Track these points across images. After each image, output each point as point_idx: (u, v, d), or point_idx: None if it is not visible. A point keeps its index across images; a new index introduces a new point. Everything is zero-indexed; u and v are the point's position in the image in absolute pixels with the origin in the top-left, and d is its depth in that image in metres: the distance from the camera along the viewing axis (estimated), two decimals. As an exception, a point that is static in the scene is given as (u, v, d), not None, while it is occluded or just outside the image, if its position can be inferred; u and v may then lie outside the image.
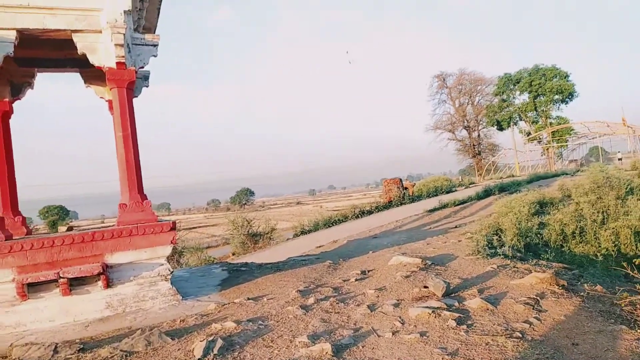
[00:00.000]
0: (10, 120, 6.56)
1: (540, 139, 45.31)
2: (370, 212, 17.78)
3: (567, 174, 24.71)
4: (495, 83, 48.98)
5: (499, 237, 8.50)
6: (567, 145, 44.85)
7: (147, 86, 6.80)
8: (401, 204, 18.97)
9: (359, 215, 17.35)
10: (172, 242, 5.07)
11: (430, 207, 15.97)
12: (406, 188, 20.82)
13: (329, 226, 16.51)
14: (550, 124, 43.83)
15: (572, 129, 43.51)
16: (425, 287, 4.52)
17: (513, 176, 31.42)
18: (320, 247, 12.38)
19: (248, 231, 15.12)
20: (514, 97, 47.15)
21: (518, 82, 45.37)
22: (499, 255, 6.54)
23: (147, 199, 5.45)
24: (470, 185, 24.15)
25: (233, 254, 16.44)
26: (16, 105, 6.71)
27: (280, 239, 16.42)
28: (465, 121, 52.88)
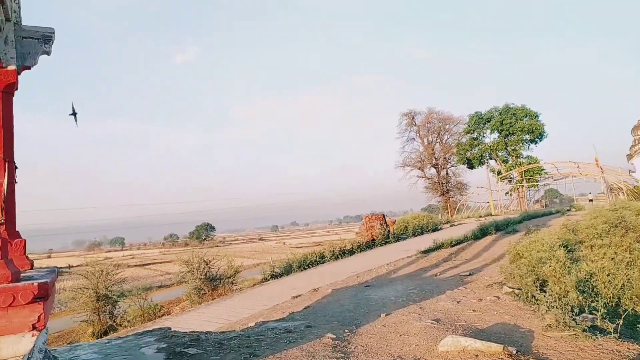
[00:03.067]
0: None
1: (510, 178, 44.89)
2: (352, 252, 15.28)
3: (559, 212, 23.38)
4: (464, 122, 49.05)
5: (543, 290, 6.30)
6: (537, 185, 44.58)
7: (48, 53, 4.28)
8: (385, 242, 16.63)
9: (339, 256, 14.81)
10: (35, 328, 2.41)
11: (422, 247, 13.70)
12: (387, 225, 18.57)
13: (305, 268, 13.85)
14: (521, 163, 43.59)
15: (542, 169, 43.36)
16: None
17: (491, 215, 30.00)
18: (297, 297, 9.73)
19: (205, 274, 12.26)
20: (484, 136, 47.05)
21: (489, 121, 45.32)
22: (603, 332, 4.22)
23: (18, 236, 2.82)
24: (456, 224, 22.24)
25: (185, 301, 13.41)
26: None
27: (246, 283, 13.55)
28: (434, 159, 52.49)
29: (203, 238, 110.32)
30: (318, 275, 12.50)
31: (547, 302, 4.88)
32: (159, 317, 11.49)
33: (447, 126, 52.83)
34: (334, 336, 4.55)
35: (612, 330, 3.99)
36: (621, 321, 4.11)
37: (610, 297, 7.28)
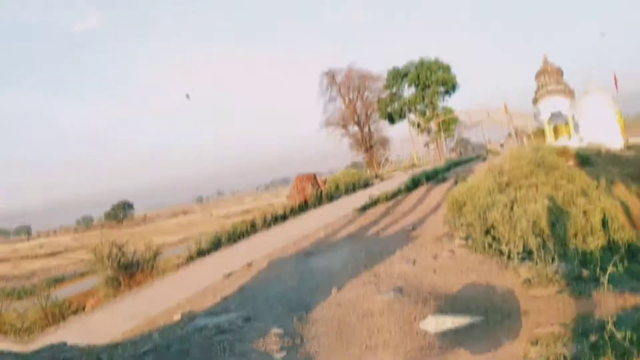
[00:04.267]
0: None
1: (429, 129, 46.34)
2: (285, 218, 14.32)
3: (479, 157, 24.25)
4: (384, 78, 49.32)
5: (495, 238, 5.85)
6: (454, 134, 46.56)
7: None
8: (319, 204, 15.88)
9: (272, 223, 13.79)
10: None
11: (357, 204, 13.10)
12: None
13: (235, 240, 12.68)
14: (437, 115, 45.01)
15: (457, 119, 45.18)
16: None
17: (415, 165, 30.65)
18: (230, 275, 8.62)
19: (119, 261, 10.61)
20: (402, 90, 47.70)
21: (406, 76, 45.85)
22: (587, 282, 3.66)
23: None
24: (386, 178, 22.17)
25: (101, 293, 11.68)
26: None
27: (170, 265, 12.06)
28: (356, 116, 52.68)
29: (121, 218, 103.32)
30: (251, 246, 11.43)
31: (518, 253, 4.29)
32: (67, 316, 9.78)
33: (367, 83, 52.99)
34: (281, 331, 3.57)
35: (604, 282, 3.45)
36: (610, 269, 3.58)
37: (558, 238, 7.11)
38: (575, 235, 7.34)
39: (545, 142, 25.53)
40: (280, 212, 14.51)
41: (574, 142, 26.19)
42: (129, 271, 10.76)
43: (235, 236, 12.77)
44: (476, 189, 9.05)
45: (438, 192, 13.30)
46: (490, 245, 5.34)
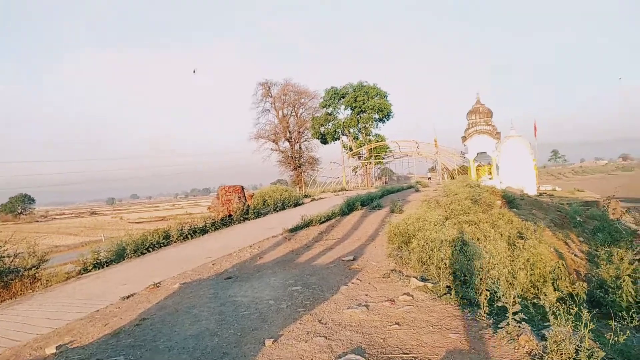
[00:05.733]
0: None
1: (360, 155, 46.76)
2: (204, 231, 12.68)
3: (411, 187, 24.28)
4: (320, 97, 49.22)
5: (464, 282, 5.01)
6: (383, 162, 47.39)
7: None
8: (245, 219, 14.44)
9: (189, 236, 12.10)
10: None
11: (287, 224, 11.92)
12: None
13: (143, 253, 10.85)
14: (369, 141, 45.61)
15: (388, 147, 46.13)
16: None
17: (345, 190, 30.23)
18: (129, 297, 6.98)
19: (-12, 268, 8.39)
20: (338, 111, 47.84)
21: (344, 97, 46.07)
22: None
23: None
24: (317, 198, 21.21)
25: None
26: None
27: (58, 274, 9.88)
28: (288, 132, 51.96)
29: (19, 212, 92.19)
30: (162, 262, 9.73)
31: (506, 309, 3.41)
32: None
33: (303, 100, 52.65)
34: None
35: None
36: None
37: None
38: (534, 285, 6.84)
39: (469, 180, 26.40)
40: (199, 224, 12.86)
41: (495, 183, 27.42)
42: (4, 279, 8.57)
43: (144, 248, 10.94)
44: (422, 222, 8.36)
45: (374, 219, 12.58)
46: (457, 293, 4.48)
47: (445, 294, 4.74)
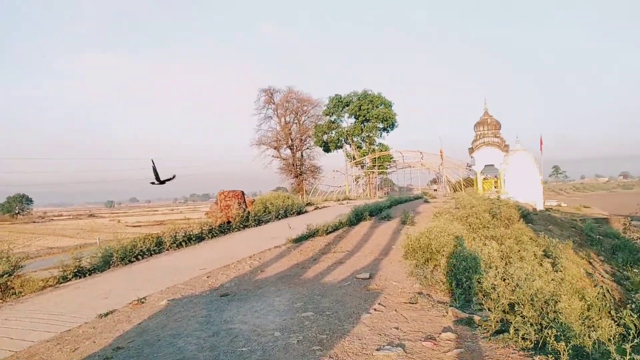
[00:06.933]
0: None
1: (363, 164, 45.82)
2: (200, 238, 11.65)
3: (419, 198, 23.27)
4: (323, 104, 48.45)
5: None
6: (387, 172, 46.44)
7: None
8: (245, 226, 13.42)
9: (184, 243, 11.07)
10: None
11: (290, 233, 10.91)
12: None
13: (131, 261, 9.82)
14: (373, 150, 44.70)
15: (392, 157, 45.22)
16: None
17: (349, 199, 29.23)
18: (108, 314, 5.96)
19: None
20: (342, 120, 47.01)
21: (348, 105, 45.26)
22: None
23: None
24: (321, 207, 20.20)
25: None
26: None
27: (33, 285, 8.81)
28: (290, 140, 51.19)
29: (16, 212, 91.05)
30: (150, 272, 8.71)
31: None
32: None
33: (306, 107, 51.95)
34: None
35: None
36: None
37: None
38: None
39: (484, 192, 25.43)
40: (195, 230, 11.83)
41: (503, 197, 26.43)
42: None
43: (133, 255, 9.92)
44: (447, 236, 7.35)
45: (385, 230, 11.57)
46: (517, 332, 3.48)
47: (498, 331, 3.74)
